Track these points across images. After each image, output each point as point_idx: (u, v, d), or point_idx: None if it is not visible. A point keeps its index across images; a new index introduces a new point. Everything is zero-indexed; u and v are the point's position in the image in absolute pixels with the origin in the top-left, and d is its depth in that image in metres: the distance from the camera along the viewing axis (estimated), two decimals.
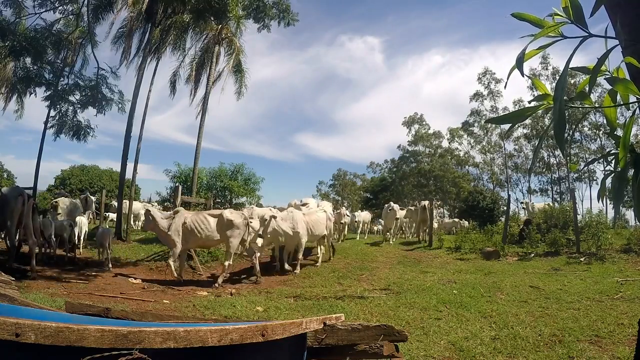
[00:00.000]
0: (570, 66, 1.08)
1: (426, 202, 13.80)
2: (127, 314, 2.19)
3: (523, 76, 1.17)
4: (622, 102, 1.17)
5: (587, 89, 1.18)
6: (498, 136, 38.01)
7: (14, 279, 3.23)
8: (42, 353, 0.99)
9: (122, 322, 1.91)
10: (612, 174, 1.18)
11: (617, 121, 1.28)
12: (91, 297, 5.73)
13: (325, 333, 1.78)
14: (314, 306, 5.37)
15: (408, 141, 40.83)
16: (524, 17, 1.17)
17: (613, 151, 1.25)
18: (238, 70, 17.51)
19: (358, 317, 4.78)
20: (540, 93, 1.26)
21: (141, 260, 9.38)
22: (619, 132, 1.25)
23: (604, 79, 1.15)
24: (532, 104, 1.28)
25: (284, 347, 1.52)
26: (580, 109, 1.26)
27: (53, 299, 5.08)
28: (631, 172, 1.11)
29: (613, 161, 1.22)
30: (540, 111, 1.31)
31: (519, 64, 1.13)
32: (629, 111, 1.17)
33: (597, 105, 1.28)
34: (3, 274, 2.98)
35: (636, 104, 1.12)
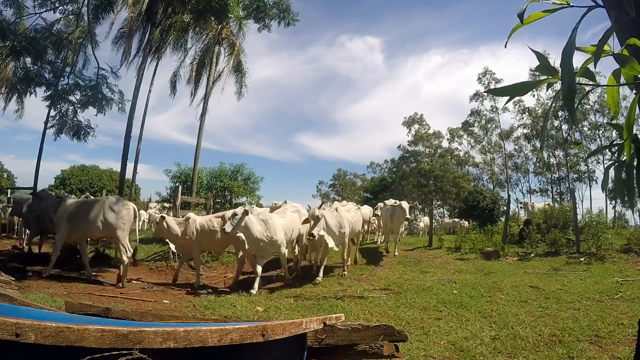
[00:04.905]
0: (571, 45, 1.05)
1: (401, 203, 10.16)
2: (127, 314, 2.19)
3: (522, 23, 1.14)
4: (625, 82, 1.15)
5: (590, 73, 1.15)
6: (498, 136, 38.07)
7: (14, 279, 3.23)
8: (42, 353, 0.98)
9: (122, 322, 1.91)
10: (616, 164, 1.17)
11: (620, 112, 1.26)
12: (91, 297, 5.72)
13: (325, 333, 1.78)
14: (314, 306, 5.37)
15: (408, 141, 40.94)
16: None
17: (617, 142, 1.24)
18: (238, 70, 17.52)
19: (358, 317, 4.78)
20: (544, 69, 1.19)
21: (141, 260, 9.38)
22: (619, 125, 1.23)
23: (612, 56, 1.12)
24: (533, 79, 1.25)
25: (284, 347, 1.52)
26: (584, 86, 1.21)
27: (53, 299, 5.07)
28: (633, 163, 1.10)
29: (617, 152, 1.20)
30: (543, 90, 1.27)
31: (520, 17, 1.10)
32: (632, 92, 1.15)
33: (600, 84, 1.24)
34: (3, 274, 2.99)
35: None
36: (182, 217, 7.90)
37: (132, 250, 7.44)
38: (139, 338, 1.06)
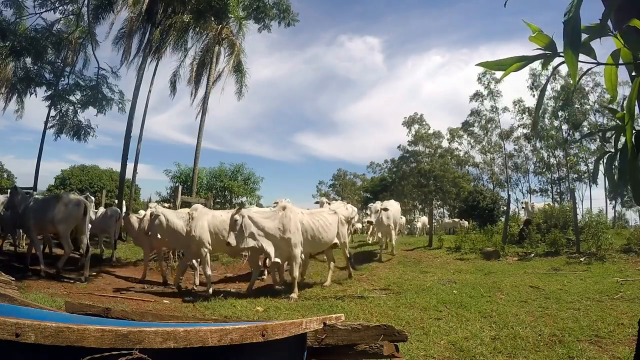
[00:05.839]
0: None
1: (373, 206, 9.67)
2: (127, 314, 2.18)
3: None
4: (623, 62, 1.12)
5: (591, 49, 1.12)
6: (498, 136, 38.05)
7: (14, 279, 3.23)
8: (42, 353, 0.98)
9: (122, 322, 1.91)
10: (607, 154, 1.16)
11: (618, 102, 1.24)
12: (91, 297, 5.73)
13: (325, 333, 1.78)
14: (314, 306, 5.37)
15: (408, 141, 40.86)
16: None
17: (610, 126, 1.21)
18: (238, 70, 17.51)
19: (358, 317, 4.78)
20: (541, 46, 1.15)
21: (141, 260, 9.37)
22: (614, 109, 1.21)
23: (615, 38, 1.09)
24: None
25: (284, 347, 1.52)
26: (584, 63, 1.17)
27: (53, 299, 5.08)
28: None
29: (613, 135, 1.19)
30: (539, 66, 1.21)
31: None
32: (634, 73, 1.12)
33: (600, 62, 1.18)
34: (3, 274, 2.98)
35: None
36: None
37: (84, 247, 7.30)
38: (139, 338, 1.06)
